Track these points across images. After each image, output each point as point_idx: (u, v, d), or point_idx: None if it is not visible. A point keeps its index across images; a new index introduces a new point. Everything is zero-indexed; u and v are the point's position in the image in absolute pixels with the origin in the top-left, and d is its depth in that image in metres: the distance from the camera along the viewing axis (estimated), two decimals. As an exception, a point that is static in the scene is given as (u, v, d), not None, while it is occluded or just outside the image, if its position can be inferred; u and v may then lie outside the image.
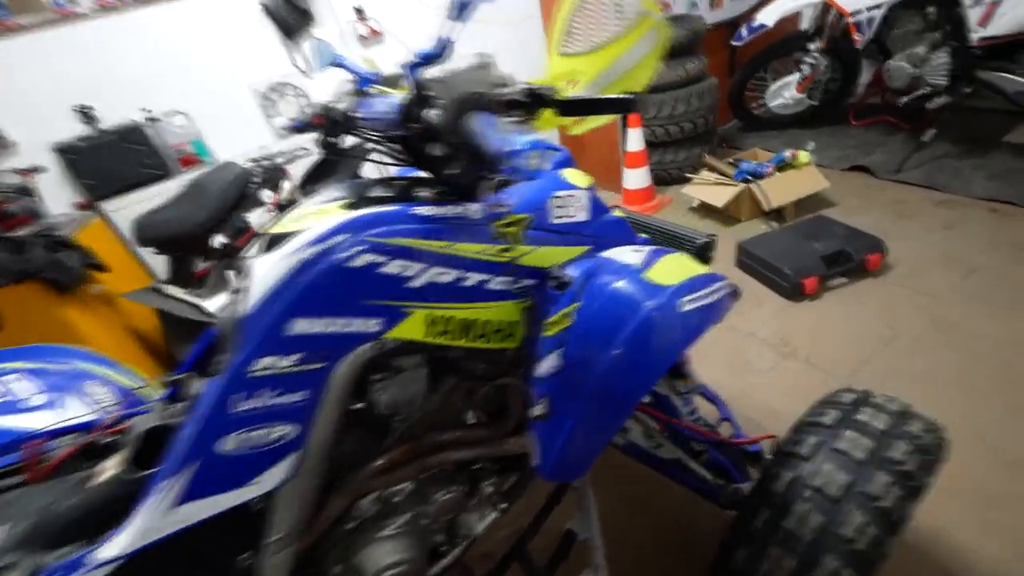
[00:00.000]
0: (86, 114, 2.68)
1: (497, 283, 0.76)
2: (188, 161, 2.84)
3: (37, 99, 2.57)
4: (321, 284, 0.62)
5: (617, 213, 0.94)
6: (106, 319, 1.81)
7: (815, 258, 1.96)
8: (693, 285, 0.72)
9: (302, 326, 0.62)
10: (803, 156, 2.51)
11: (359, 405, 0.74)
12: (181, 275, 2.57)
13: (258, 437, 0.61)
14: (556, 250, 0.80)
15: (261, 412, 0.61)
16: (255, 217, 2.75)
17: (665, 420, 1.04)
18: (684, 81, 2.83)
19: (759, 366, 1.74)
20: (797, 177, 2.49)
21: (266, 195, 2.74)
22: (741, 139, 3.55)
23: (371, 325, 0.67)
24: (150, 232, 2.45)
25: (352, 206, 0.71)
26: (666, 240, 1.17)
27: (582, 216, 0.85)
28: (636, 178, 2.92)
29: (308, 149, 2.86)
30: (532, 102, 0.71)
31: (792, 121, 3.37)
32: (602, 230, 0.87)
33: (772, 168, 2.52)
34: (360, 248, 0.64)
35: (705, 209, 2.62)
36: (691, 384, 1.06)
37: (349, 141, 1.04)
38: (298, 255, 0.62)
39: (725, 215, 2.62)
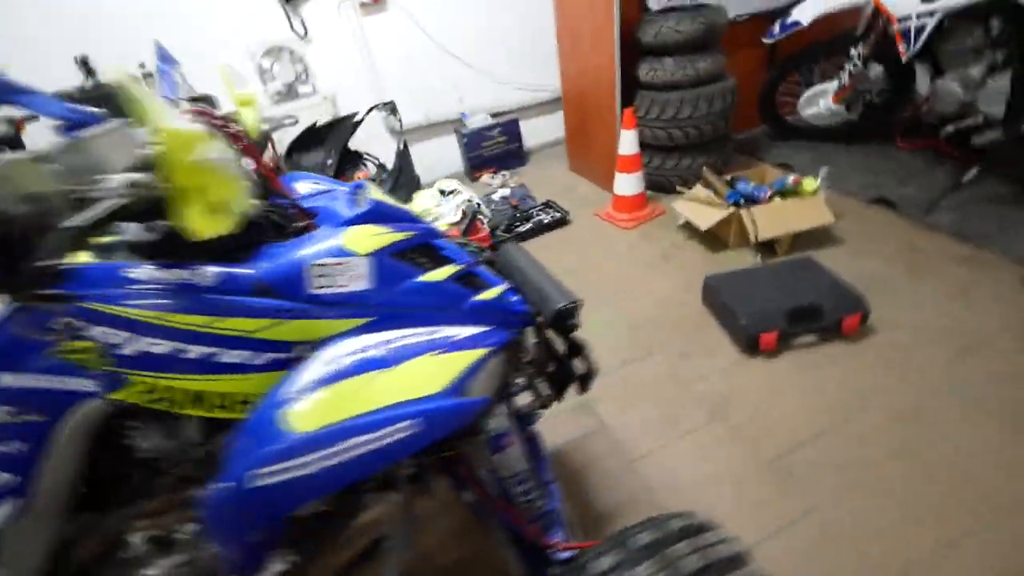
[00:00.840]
0: (86, 65, 2.75)
1: (233, 356, 0.68)
2: (177, 121, 2.86)
3: (39, 47, 2.65)
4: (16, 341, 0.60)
5: (484, 256, 0.85)
6: None
7: (781, 310, 1.73)
8: (353, 427, 0.59)
9: (7, 379, 0.60)
10: (808, 184, 2.20)
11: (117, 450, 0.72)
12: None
13: None
14: (318, 324, 0.71)
15: None
16: (231, 185, 2.76)
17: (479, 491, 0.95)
18: (693, 81, 2.53)
19: (682, 425, 1.58)
20: (797, 207, 2.19)
21: (246, 162, 2.73)
22: (766, 148, 3.19)
23: (87, 385, 0.63)
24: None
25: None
26: (529, 293, 1.03)
27: (358, 285, 0.74)
28: (627, 184, 2.69)
29: (295, 118, 2.81)
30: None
31: (827, 134, 2.97)
32: (399, 299, 0.76)
33: (770, 193, 2.23)
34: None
35: (693, 228, 2.39)
36: (514, 469, 0.95)
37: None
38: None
39: (714, 238, 2.38)
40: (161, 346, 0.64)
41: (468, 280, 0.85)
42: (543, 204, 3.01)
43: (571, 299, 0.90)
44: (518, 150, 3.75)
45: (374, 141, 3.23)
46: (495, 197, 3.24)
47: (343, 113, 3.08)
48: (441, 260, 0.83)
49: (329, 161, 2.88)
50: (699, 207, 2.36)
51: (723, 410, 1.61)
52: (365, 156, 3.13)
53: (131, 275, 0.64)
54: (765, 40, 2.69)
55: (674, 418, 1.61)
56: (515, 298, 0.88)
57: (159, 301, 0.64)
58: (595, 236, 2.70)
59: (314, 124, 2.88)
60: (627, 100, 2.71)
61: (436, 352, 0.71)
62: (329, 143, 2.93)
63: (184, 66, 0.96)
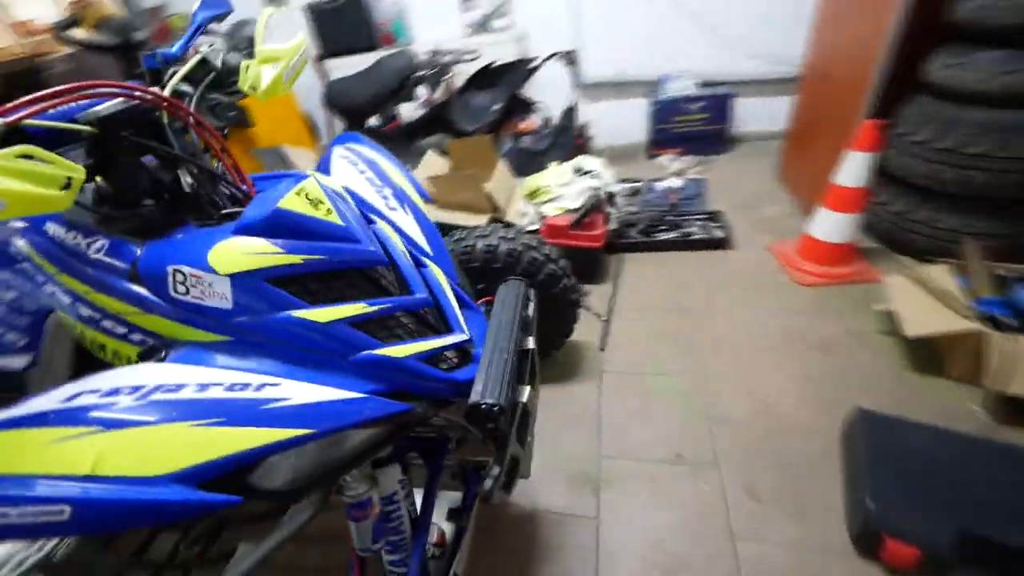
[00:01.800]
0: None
1: (112, 325, 0.72)
2: (387, 39, 3.08)
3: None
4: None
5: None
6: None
7: (955, 522, 1.02)
8: None
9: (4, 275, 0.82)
10: None
11: None
12: (343, 141, 3.01)
13: None
14: (176, 326, 0.68)
15: None
16: (405, 109, 2.92)
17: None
18: (1009, 97, 1.51)
19: (692, 590, 1.14)
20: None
21: (421, 91, 2.82)
22: None
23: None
24: (332, 98, 2.89)
25: None
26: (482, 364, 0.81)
27: (217, 303, 0.65)
28: (831, 225, 1.89)
29: (477, 53, 2.74)
30: None
31: None
32: (266, 329, 0.66)
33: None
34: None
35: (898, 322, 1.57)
36: (364, 543, 0.80)
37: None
38: None
39: (926, 351, 1.53)
40: (65, 296, 0.73)
41: (420, 321, 0.78)
42: (708, 214, 2.39)
43: (497, 401, 0.69)
44: (720, 134, 3.01)
45: (551, 91, 2.96)
46: (657, 186, 2.72)
47: (529, 56, 2.87)
48: (370, 291, 0.73)
49: (496, 106, 2.76)
50: (924, 297, 1.52)
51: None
52: (535, 105, 2.91)
53: (48, 227, 0.73)
54: None
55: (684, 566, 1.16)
56: (447, 366, 0.78)
57: (58, 257, 0.72)
58: (750, 278, 2.03)
59: (490, 64, 2.76)
60: (885, 106, 1.81)
61: (201, 422, 0.56)
62: (501, 86, 2.79)
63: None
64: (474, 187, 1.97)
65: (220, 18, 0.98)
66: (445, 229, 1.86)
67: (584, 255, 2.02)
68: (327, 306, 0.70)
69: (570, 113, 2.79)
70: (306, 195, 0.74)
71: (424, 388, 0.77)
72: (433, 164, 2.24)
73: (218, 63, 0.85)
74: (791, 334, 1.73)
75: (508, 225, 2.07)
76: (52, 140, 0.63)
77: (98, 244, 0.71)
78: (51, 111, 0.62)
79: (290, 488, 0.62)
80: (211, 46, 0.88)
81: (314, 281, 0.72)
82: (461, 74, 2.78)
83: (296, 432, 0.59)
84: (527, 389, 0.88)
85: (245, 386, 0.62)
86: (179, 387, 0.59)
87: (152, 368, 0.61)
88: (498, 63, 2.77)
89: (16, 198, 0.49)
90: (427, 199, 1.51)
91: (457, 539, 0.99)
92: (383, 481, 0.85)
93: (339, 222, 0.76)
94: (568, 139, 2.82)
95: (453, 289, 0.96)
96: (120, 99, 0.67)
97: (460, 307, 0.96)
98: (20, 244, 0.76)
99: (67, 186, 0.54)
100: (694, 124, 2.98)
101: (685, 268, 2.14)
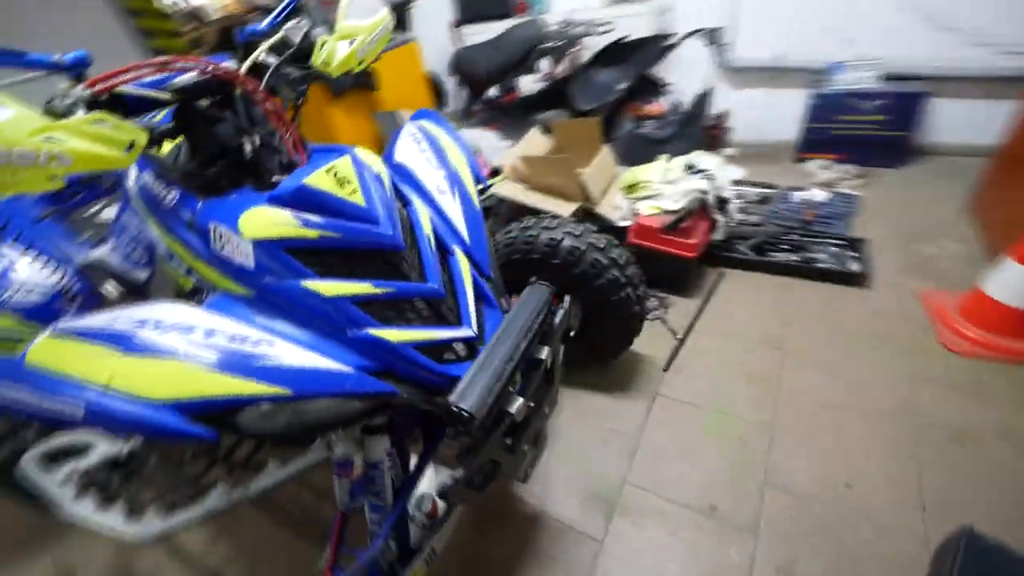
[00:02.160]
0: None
1: (177, 265, 0.86)
2: (521, 7, 3.03)
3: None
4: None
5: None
6: (358, 128, 2.49)
7: None
8: (35, 379, 0.60)
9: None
10: None
11: None
12: (465, 109, 3.10)
13: None
14: (217, 275, 0.77)
15: None
16: (524, 82, 2.87)
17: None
18: None
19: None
20: None
21: (543, 65, 2.75)
22: None
23: None
24: (457, 65, 2.96)
25: None
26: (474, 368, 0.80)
27: (243, 262, 0.73)
28: (1020, 285, 1.43)
29: (610, 25, 2.54)
30: None
31: None
32: (279, 292, 0.73)
33: None
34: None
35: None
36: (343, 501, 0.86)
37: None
38: None
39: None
40: (152, 233, 0.87)
41: (433, 309, 0.80)
42: (847, 240, 1.97)
43: (471, 408, 0.70)
44: (899, 142, 2.43)
45: (686, 73, 2.65)
46: (794, 197, 2.32)
47: (667, 31, 2.59)
48: (385, 273, 0.77)
49: (621, 84, 2.57)
50: None
51: None
52: (665, 87, 2.64)
53: (144, 176, 0.86)
54: None
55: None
56: (453, 357, 0.79)
57: (146, 201, 0.86)
58: (882, 329, 1.64)
59: (622, 38, 2.54)
60: None
61: (198, 364, 0.63)
62: (630, 63, 2.57)
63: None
64: (567, 172, 1.88)
65: None
66: (528, 213, 1.83)
67: (673, 263, 1.82)
68: (336, 280, 0.74)
69: (704, 100, 2.47)
70: (335, 174, 0.76)
71: (415, 375, 0.78)
72: (534, 142, 2.18)
73: (296, 40, 0.91)
74: (917, 408, 1.37)
75: (593, 217, 1.95)
76: (146, 106, 0.73)
77: (171, 195, 0.82)
78: (147, 80, 0.71)
79: (268, 435, 0.67)
80: (298, 22, 0.93)
81: (333, 256, 0.75)
82: (589, 48, 2.62)
83: (275, 389, 0.64)
84: (519, 401, 0.84)
85: (244, 339, 0.68)
86: (191, 329, 0.67)
87: (178, 308, 0.70)
88: (631, 38, 2.55)
89: (81, 156, 0.58)
90: (484, 184, 1.47)
91: (444, 516, 1.00)
92: (370, 448, 0.89)
93: (361, 203, 0.77)
94: (696, 129, 2.51)
95: (476, 283, 0.93)
96: (197, 72, 0.75)
97: (480, 302, 0.94)
98: (129, 186, 0.91)
99: (130, 147, 0.63)
100: (864, 127, 2.43)
101: (797, 300, 1.81)
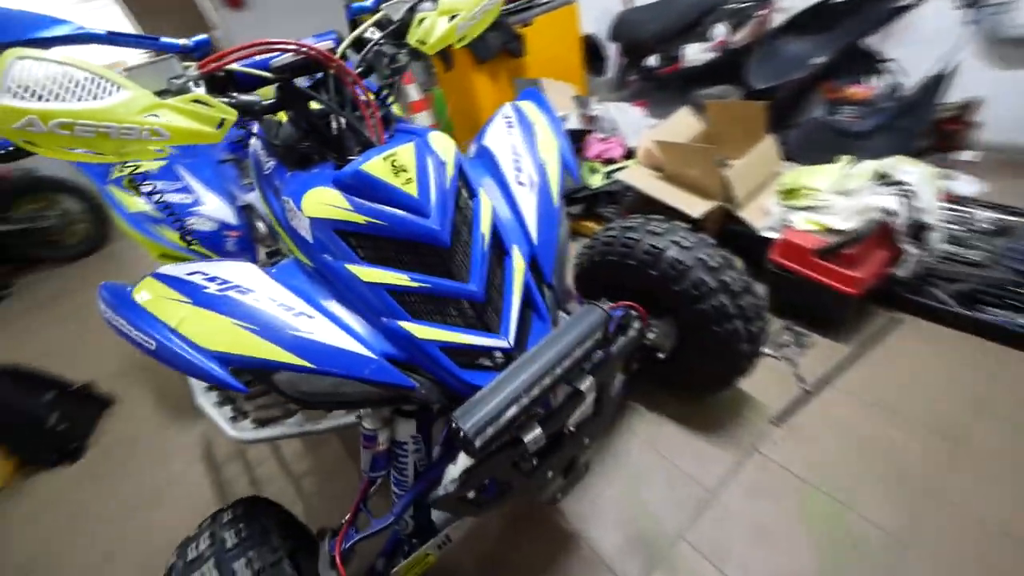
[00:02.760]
0: None
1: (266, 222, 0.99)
2: (709, -40, 2.58)
3: None
4: None
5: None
6: (501, 94, 2.46)
7: None
8: (131, 315, 0.71)
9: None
10: None
11: None
12: (619, 79, 2.86)
13: None
14: (288, 239, 0.87)
15: None
16: (690, 51, 2.49)
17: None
18: None
19: None
20: None
21: (718, 31, 2.34)
22: None
23: None
24: (618, 28, 2.71)
25: None
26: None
27: (305, 236, 0.79)
28: None
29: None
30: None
31: None
32: (328, 268, 0.78)
33: None
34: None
35: None
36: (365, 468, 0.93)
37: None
38: None
39: None
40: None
41: (476, 312, 0.78)
42: None
43: (469, 432, 0.67)
44: None
45: (920, 46, 1.98)
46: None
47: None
48: (431, 266, 0.76)
49: (817, 58, 2.05)
50: None
51: None
52: (881, 64, 2.02)
53: (253, 143, 1.01)
54: None
55: None
56: (490, 364, 0.79)
57: (252, 166, 1.01)
58: None
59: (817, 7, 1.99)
60: None
61: (244, 324, 0.71)
62: (837, 30, 2.02)
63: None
64: (707, 163, 1.60)
65: None
66: (655, 208, 1.61)
67: (826, 295, 1.45)
68: (377, 268, 0.75)
69: (938, 83, 1.83)
70: (392, 161, 0.75)
71: (437, 375, 0.77)
72: (682, 123, 1.90)
73: (395, 18, 0.90)
74: None
75: (734, 221, 1.64)
76: (254, 83, 0.80)
77: (269, 165, 0.91)
78: (256, 59, 0.78)
79: (294, 398, 0.73)
80: None
81: (384, 243, 0.76)
82: (783, 11, 2.13)
83: (300, 361, 0.70)
84: (535, 431, 0.76)
85: (290, 309, 0.74)
86: (248, 291, 0.75)
87: (244, 269, 0.78)
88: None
89: (177, 131, 0.65)
90: (575, 179, 1.32)
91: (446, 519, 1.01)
92: (397, 428, 0.92)
93: (413, 193, 0.75)
94: (918, 121, 1.89)
95: (530, 289, 0.86)
96: (291, 53, 0.79)
97: (530, 310, 0.87)
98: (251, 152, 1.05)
99: (220, 124, 0.70)
100: None
101: (1009, 382, 1.29)
